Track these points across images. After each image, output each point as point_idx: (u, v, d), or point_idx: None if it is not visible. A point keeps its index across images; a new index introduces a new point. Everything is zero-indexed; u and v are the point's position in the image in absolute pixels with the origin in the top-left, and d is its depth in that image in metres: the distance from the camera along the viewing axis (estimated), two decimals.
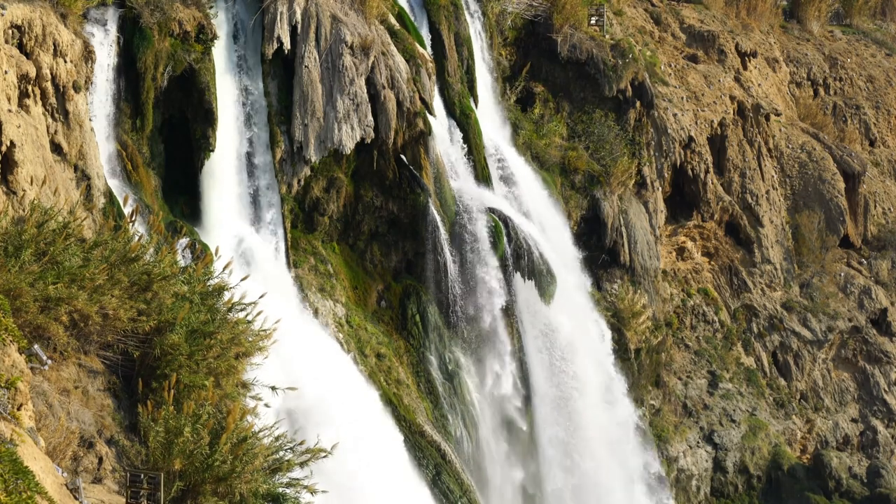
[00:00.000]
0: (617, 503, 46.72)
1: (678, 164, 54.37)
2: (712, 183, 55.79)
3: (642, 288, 50.60)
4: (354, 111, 39.51)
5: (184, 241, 31.52)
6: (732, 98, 57.79)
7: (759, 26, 65.18)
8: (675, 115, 54.15)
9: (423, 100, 41.46)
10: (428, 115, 41.59)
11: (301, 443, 21.16)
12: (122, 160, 35.31)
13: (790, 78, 65.92)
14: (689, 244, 56.34)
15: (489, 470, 42.76)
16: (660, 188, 53.30)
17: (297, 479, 20.91)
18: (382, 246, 42.02)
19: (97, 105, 34.36)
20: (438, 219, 41.45)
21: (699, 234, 56.50)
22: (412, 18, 44.57)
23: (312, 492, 21.08)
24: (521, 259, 43.44)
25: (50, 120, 30.73)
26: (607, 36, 52.94)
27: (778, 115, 61.29)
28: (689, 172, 55.01)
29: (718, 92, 57.21)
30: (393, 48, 41.24)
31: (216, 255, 29.84)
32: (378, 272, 42.06)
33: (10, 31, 29.39)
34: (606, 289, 49.68)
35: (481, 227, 42.64)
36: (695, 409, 52.93)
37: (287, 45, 38.83)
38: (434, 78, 42.75)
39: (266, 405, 22.83)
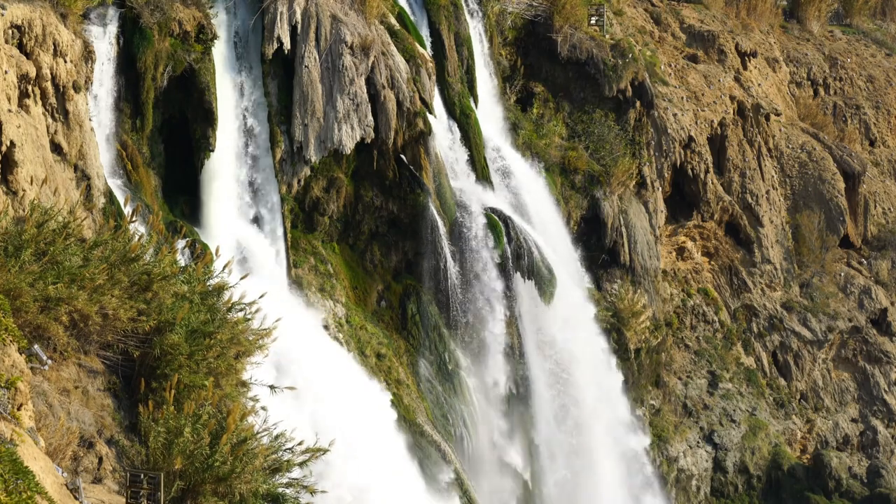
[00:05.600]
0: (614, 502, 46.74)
1: (678, 164, 54.38)
2: (712, 183, 55.79)
3: (642, 288, 50.61)
4: (354, 111, 39.53)
5: (183, 240, 31.53)
6: (732, 98, 57.80)
7: (759, 26, 65.17)
8: (675, 115, 54.15)
9: (423, 100, 41.46)
10: (428, 115, 41.60)
11: (300, 442, 21.17)
12: (122, 160, 35.33)
13: (790, 78, 65.93)
14: (689, 244, 56.34)
15: (488, 468, 42.76)
16: (660, 188, 53.30)
17: (297, 479, 20.91)
18: (382, 246, 42.02)
19: (97, 105, 34.37)
20: (438, 219, 41.46)
21: (699, 234, 56.51)
22: (412, 18, 44.57)
23: (312, 492, 21.08)
24: (521, 259, 43.45)
25: (50, 120, 30.74)
26: (607, 36, 52.93)
27: (778, 115, 61.29)
28: (689, 172, 55.01)
29: (718, 92, 57.22)
30: (393, 48, 41.25)
31: (216, 254, 29.85)
32: (378, 272, 42.06)
33: (10, 31, 29.40)
34: (606, 289, 49.68)
35: (481, 228, 42.65)
36: (695, 409, 52.93)
37: (287, 45, 38.84)
38: (434, 78, 42.76)
39: (263, 408, 22.81)
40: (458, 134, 44.92)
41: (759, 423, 53.95)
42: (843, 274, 60.22)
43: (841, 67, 68.32)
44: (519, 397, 44.23)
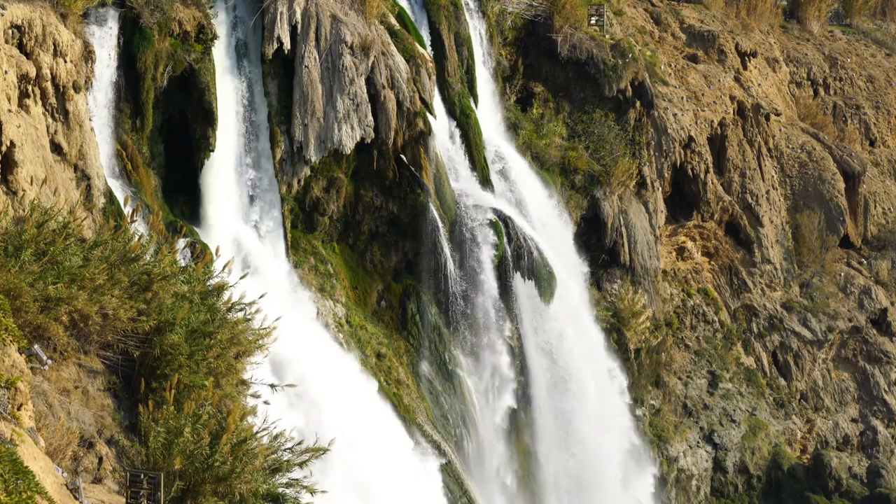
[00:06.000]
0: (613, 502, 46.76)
1: (678, 164, 54.38)
2: (712, 183, 55.79)
3: (642, 288, 50.61)
4: (354, 111, 39.53)
5: (183, 241, 31.52)
6: (732, 98, 57.80)
7: (759, 26, 65.18)
8: (675, 115, 54.15)
9: (423, 100, 41.46)
10: (428, 115, 41.60)
11: (300, 442, 21.16)
12: (122, 160, 35.32)
13: (790, 78, 65.93)
14: (689, 244, 56.34)
15: (488, 468, 42.76)
16: (660, 188, 53.30)
17: (297, 480, 20.91)
18: (382, 246, 42.02)
19: (97, 105, 34.37)
20: (438, 219, 41.46)
21: (699, 234, 56.51)
22: (412, 18, 44.58)
23: (312, 492, 21.08)
24: (521, 259, 43.45)
25: (50, 120, 30.73)
26: (607, 36, 52.93)
27: (778, 115, 61.29)
28: (689, 172, 55.02)
29: (718, 92, 57.22)
30: (393, 48, 41.25)
31: (216, 254, 29.85)
32: (378, 272, 42.07)
33: (10, 31, 29.39)
34: (606, 289, 49.69)
35: (481, 227, 42.64)
36: (695, 409, 52.93)
37: (287, 45, 38.83)
38: (434, 78, 42.76)
39: (265, 402, 22.82)
40: (458, 134, 44.91)
41: (759, 423, 53.95)
42: (843, 274, 60.22)
43: (841, 67, 68.32)
44: (518, 396, 44.21)
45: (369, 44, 39.97)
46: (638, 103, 51.65)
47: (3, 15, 28.83)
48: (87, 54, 33.13)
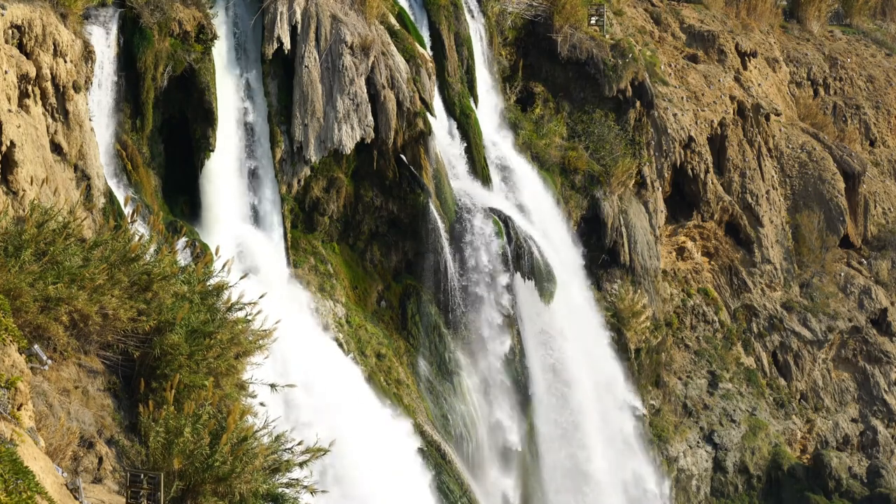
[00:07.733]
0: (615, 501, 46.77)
1: (678, 163, 54.38)
2: (712, 183, 55.79)
3: (642, 288, 50.61)
4: (354, 111, 39.53)
5: (183, 240, 31.50)
6: (732, 98, 57.80)
7: (759, 26, 65.18)
8: (675, 115, 54.15)
9: (423, 100, 41.47)
10: (428, 115, 41.61)
11: (300, 442, 21.16)
12: (122, 160, 35.33)
13: (790, 78, 65.93)
14: (689, 244, 56.34)
15: (488, 469, 42.78)
16: (660, 188, 53.30)
17: (297, 479, 20.91)
18: (382, 246, 42.03)
19: (97, 105, 34.37)
20: (438, 219, 41.46)
21: (699, 234, 56.51)
22: (412, 18, 44.59)
23: (312, 492, 21.08)
24: (521, 259, 43.45)
25: (50, 120, 30.74)
26: (607, 36, 52.93)
27: (778, 115, 61.29)
28: (689, 172, 55.02)
29: (718, 92, 57.21)
30: (393, 48, 41.25)
31: (216, 254, 29.84)
32: (378, 272, 42.07)
33: (10, 31, 29.40)
34: (606, 289, 49.68)
35: (481, 228, 42.65)
36: (695, 409, 52.93)
37: (287, 45, 38.85)
38: (434, 78, 42.77)
39: (262, 404, 22.81)
40: (458, 134, 44.92)
41: (759, 423, 53.95)
42: (843, 274, 60.22)
43: (841, 67, 68.32)
44: (518, 396, 44.23)
45: (369, 44, 39.97)
46: (638, 103, 51.64)
47: (3, 15, 28.84)
48: (87, 54, 33.14)
